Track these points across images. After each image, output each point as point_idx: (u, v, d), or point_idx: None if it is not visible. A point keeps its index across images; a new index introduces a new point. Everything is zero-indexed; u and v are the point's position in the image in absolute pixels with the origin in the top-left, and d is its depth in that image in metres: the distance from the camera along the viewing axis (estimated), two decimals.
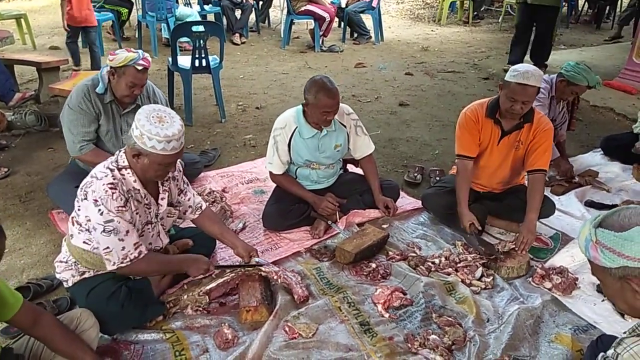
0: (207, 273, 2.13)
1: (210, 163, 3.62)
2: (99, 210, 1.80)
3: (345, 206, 2.90)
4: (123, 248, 1.85)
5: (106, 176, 1.85)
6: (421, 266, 2.44)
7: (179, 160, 2.11)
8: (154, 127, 1.79)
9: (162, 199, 2.06)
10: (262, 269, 2.22)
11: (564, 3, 8.98)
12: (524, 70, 2.44)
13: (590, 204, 3.11)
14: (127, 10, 7.09)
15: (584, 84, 3.17)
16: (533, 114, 2.63)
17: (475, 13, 9.47)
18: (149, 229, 2.03)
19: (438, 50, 7.33)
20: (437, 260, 2.49)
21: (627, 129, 4.14)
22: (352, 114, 2.80)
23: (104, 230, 1.82)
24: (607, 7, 9.19)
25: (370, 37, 7.61)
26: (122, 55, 2.60)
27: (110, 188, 1.82)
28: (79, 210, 1.88)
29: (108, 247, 1.85)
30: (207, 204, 2.97)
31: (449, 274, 2.41)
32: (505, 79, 2.53)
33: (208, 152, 3.72)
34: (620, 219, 1.15)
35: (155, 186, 2.04)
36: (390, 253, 2.58)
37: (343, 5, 7.52)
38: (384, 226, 2.83)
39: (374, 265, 2.44)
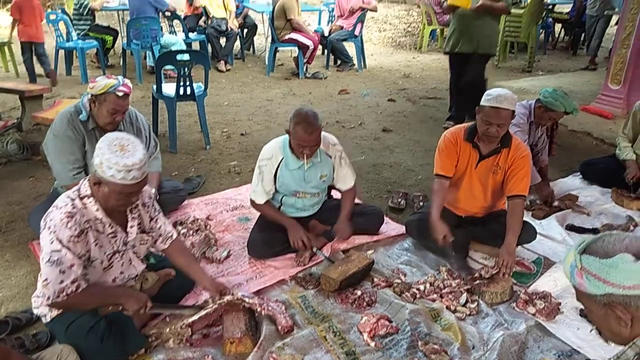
0: (143, 308, 2.04)
1: (195, 190, 3.61)
2: (51, 238, 1.78)
3: (329, 233, 2.90)
4: (61, 282, 1.80)
5: (66, 205, 1.83)
6: (406, 293, 2.45)
7: (152, 188, 2.09)
8: (114, 155, 1.76)
9: (130, 226, 2.02)
10: (246, 300, 2.19)
11: (541, 30, 9.25)
12: (497, 94, 2.55)
13: (570, 228, 3.16)
14: (111, 38, 7.14)
15: (561, 110, 3.26)
16: (511, 139, 2.70)
17: None
18: (117, 258, 2.00)
19: (419, 77, 7.47)
20: (422, 287, 2.49)
21: (605, 153, 4.25)
22: (338, 144, 2.81)
23: (48, 260, 1.78)
24: (583, 35, 9.48)
25: (353, 64, 7.73)
26: (102, 82, 2.61)
27: (67, 217, 1.79)
28: (41, 242, 1.85)
29: (47, 279, 1.80)
30: (191, 232, 2.98)
31: (434, 300, 2.41)
32: (480, 103, 2.62)
33: (192, 180, 3.71)
34: (605, 245, 1.15)
35: (123, 214, 2.00)
36: (375, 280, 2.58)
37: (326, 34, 7.65)
38: (369, 252, 2.83)
39: (359, 293, 2.44)
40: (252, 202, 2.83)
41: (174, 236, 2.26)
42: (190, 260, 2.28)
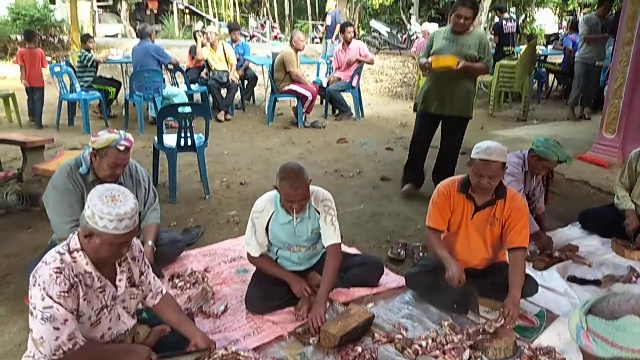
0: None
1: (193, 241, 3.59)
2: (42, 295, 1.76)
3: None
4: (57, 339, 1.77)
5: (54, 261, 1.82)
6: (408, 349, 2.38)
7: (139, 241, 2.09)
8: (106, 206, 1.78)
9: (119, 280, 2.00)
10: (242, 354, 2.14)
11: (534, 80, 9.48)
12: (486, 147, 2.61)
13: (572, 279, 3.13)
14: (115, 89, 7.30)
15: (555, 159, 3.30)
16: (505, 190, 2.74)
17: None
18: (105, 313, 1.97)
19: None
20: (424, 343, 2.43)
21: (604, 202, 4.26)
22: (327, 201, 2.75)
23: (42, 318, 1.76)
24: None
25: (352, 113, 7.87)
26: (104, 137, 2.65)
27: (56, 272, 1.78)
28: (31, 299, 1.83)
29: (42, 338, 1.77)
30: (189, 285, 2.94)
31: (436, 357, 2.34)
32: (471, 156, 2.66)
33: (191, 231, 3.70)
34: (611, 306, 1.14)
35: (112, 267, 1.98)
36: (376, 335, 2.52)
37: (325, 85, 7.83)
38: (370, 305, 2.79)
39: (360, 350, 2.37)
40: (248, 255, 2.82)
41: (164, 292, 2.23)
42: (181, 317, 2.24)
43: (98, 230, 1.79)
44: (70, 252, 1.86)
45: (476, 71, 4.33)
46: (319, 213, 2.75)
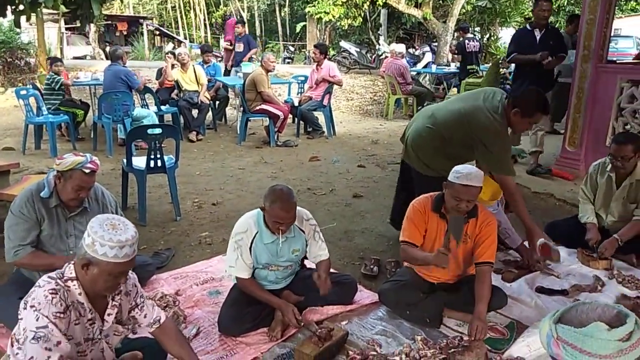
0: None
1: (164, 265, 3.53)
2: (36, 315, 1.71)
3: (302, 303, 2.86)
4: (48, 358, 1.71)
5: (48, 283, 1.78)
6: None
7: (134, 274, 2.05)
8: (107, 233, 1.76)
9: (108, 314, 1.95)
10: None
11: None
12: (467, 172, 2.64)
13: (540, 290, 3.19)
14: (82, 111, 7.20)
15: None
16: (477, 209, 2.80)
17: (420, 108, 10.09)
18: (88, 345, 1.91)
19: (387, 143, 7.69)
20: (397, 358, 2.43)
21: (569, 213, 4.37)
22: (311, 219, 2.83)
23: (34, 337, 1.68)
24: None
25: (323, 131, 7.94)
26: (70, 159, 2.60)
27: (51, 293, 1.74)
28: (18, 327, 1.77)
29: (32, 357, 1.69)
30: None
31: None
32: (448, 179, 2.69)
33: (161, 254, 3.64)
34: (579, 314, 1.18)
35: (104, 301, 1.94)
36: (350, 353, 2.51)
37: (296, 104, 7.89)
38: (343, 323, 2.79)
39: None
40: (237, 279, 2.77)
41: (162, 320, 2.13)
42: (182, 350, 2.12)
43: (97, 259, 1.75)
44: (64, 280, 1.81)
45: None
46: (303, 232, 2.77)
